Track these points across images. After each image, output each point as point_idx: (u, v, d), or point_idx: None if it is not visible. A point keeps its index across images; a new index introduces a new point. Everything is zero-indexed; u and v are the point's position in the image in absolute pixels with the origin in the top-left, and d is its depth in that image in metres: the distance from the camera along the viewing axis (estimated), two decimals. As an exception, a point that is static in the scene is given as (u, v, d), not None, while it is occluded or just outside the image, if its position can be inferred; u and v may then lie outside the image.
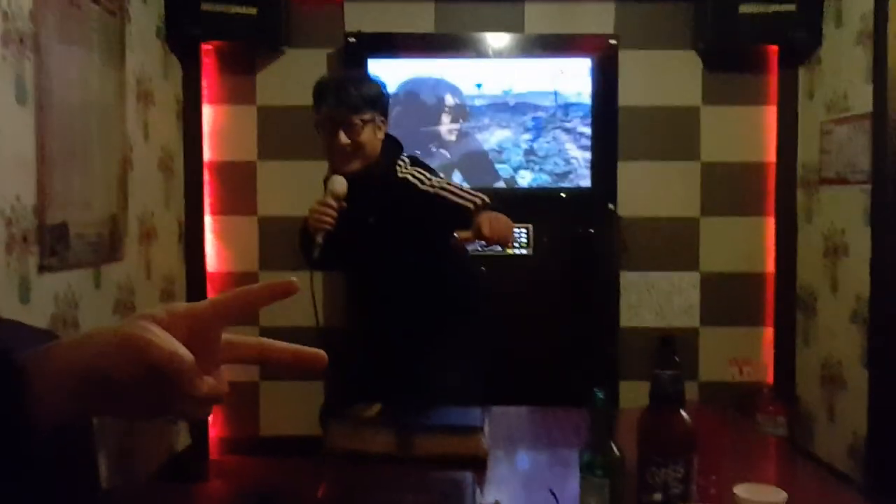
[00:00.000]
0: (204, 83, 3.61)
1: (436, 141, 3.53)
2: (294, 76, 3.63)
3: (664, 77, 3.67)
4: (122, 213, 2.87)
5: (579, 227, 3.52)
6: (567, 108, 3.53)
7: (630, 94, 3.59)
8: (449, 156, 3.52)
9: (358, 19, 3.60)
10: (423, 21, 3.64)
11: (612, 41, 3.56)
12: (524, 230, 3.51)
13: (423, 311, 2.20)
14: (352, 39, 3.50)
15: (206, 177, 3.64)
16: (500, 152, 3.55)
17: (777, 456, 1.96)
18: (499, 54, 3.56)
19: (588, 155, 3.53)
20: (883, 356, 2.93)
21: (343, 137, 2.06)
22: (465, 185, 2.28)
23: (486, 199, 2.08)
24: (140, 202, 3.06)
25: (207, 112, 3.63)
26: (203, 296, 3.61)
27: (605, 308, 3.56)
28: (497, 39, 3.56)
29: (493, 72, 3.54)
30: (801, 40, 3.45)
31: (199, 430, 3.62)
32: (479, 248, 2.17)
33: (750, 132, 3.69)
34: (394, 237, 2.13)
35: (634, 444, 1.21)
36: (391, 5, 3.63)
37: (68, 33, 2.44)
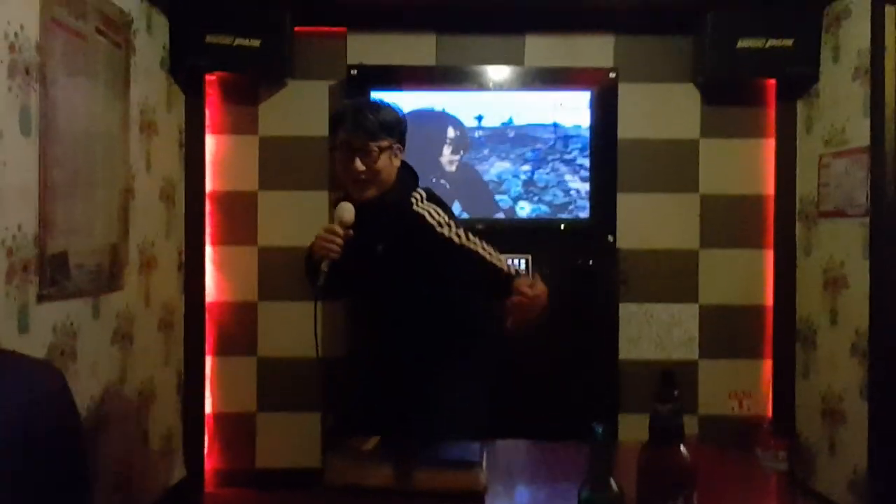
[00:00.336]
0: (207, 113, 3.63)
1: (437, 171, 3.55)
2: (297, 107, 3.67)
3: (663, 110, 3.71)
4: (123, 242, 2.88)
5: (579, 259, 3.52)
6: (567, 139, 3.56)
7: (629, 126, 3.62)
8: (449, 186, 3.54)
9: (361, 52, 3.64)
10: (424, 54, 3.68)
11: (612, 74, 3.59)
12: (523, 261, 3.51)
13: (428, 340, 2.17)
14: (354, 72, 3.53)
15: (208, 206, 3.65)
16: (499, 183, 3.57)
17: (777, 492, 1.95)
18: (499, 87, 3.59)
19: (587, 186, 3.55)
20: (883, 389, 2.92)
21: (359, 164, 2.06)
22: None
23: (519, 270, 2.06)
24: (141, 231, 3.07)
25: (210, 142, 3.66)
26: (201, 326, 3.61)
27: (604, 340, 3.55)
28: (497, 72, 3.59)
29: (493, 104, 3.58)
30: (798, 75, 3.48)
31: (195, 463, 3.59)
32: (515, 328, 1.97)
33: (749, 165, 3.71)
34: (403, 268, 2.11)
35: (634, 481, 1.21)
36: (394, 38, 3.67)
37: (74, 65, 2.47)
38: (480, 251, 2.06)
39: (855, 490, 3.09)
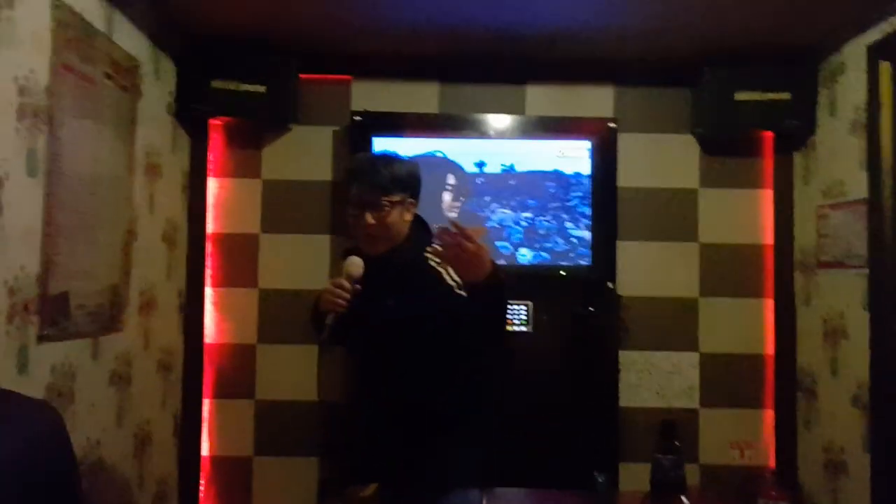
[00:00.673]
0: (210, 157, 3.67)
1: (438, 217, 3.56)
2: (300, 152, 3.71)
3: (662, 159, 3.75)
4: (124, 283, 2.89)
5: (579, 306, 3.53)
6: (567, 187, 3.59)
7: (629, 175, 3.66)
8: (450, 232, 3.55)
9: (364, 98, 3.69)
10: (427, 101, 3.74)
11: (612, 124, 3.64)
12: (524, 307, 3.52)
13: (433, 390, 2.15)
14: (358, 118, 3.58)
15: (209, 248, 3.67)
16: (500, 230, 3.59)
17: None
18: (500, 134, 3.63)
19: (588, 234, 3.57)
20: (885, 441, 2.89)
21: (369, 218, 2.07)
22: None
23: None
24: (142, 273, 3.07)
25: (213, 184, 3.68)
26: (200, 368, 3.59)
27: (604, 387, 3.53)
28: (499, 120, 3.64)
29: (494, 151, 3.62)
30: (795, 127, 3.53)
31: (190, 507, 3.54)
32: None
33: (747, 215, 3.74)
34: (412, 321, 2.08)
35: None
36: (397, 86, 3.73)
37: (82, 108, 2.51)
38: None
39: (858, 544, 3.04)
